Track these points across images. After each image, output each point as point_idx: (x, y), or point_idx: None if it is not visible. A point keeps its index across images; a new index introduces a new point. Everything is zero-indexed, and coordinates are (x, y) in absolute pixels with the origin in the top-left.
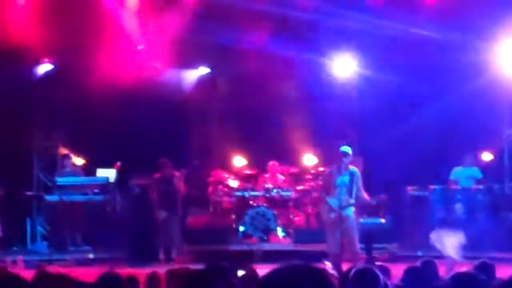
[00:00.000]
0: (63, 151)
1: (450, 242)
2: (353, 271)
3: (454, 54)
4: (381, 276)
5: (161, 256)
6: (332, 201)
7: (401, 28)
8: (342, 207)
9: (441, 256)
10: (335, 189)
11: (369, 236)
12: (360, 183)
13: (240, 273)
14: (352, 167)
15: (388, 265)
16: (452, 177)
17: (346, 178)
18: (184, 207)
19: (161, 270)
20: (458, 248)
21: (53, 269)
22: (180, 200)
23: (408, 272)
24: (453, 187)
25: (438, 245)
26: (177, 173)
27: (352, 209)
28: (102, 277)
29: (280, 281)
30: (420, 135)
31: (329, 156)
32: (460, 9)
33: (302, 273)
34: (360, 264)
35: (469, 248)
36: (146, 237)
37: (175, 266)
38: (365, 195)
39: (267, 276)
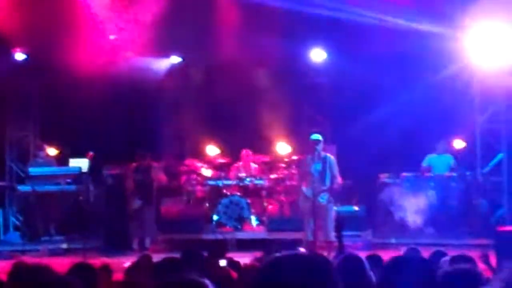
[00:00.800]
0: (37, 141)
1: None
2: (338, 258)
3: (426, 42)
4: (367, 263)
5: (135, 245)
6: (307, 189)
7: (372, 16)
8: (315, 195)
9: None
10: (310, 177)
11: (341, 224)
12: (335, 169)
13: (222, 262)
14: (326, 154)
15: (362, 252)
16: (425, 163)
17: (319, 166)
18: (157, 196)
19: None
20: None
21: (27, 259)
22: (155, 190)
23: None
24: (426, 174)
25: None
26: (155, 164)
27: (327, 196)
28: (74, 267)
29: (282, 269)
30: (393, 123)
31: (302, 145)
32: None
33: (304, 261)
34: (347, 252)
35: (442, 235)
36: (119, 227)
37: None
38: (339, 181)
39: (270, 264)
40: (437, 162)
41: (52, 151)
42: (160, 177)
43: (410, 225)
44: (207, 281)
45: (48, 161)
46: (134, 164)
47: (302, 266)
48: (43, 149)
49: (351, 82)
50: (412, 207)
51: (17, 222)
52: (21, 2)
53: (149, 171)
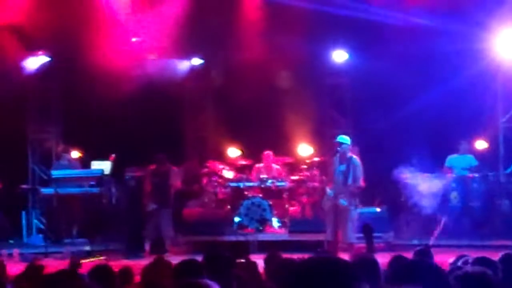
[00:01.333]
0: (60, 144)
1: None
2: (352, 259)
3: (450, 42)
4: (379, 264)
5: (147, 247)
6: (330, 191)
7: (395, 15)
8: (336, 195)
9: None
10: (334, 179)
11: (371, 227)
12: (359, 172)
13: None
14: (352, 155)
15: (385, 254)
16: (447, 164)
17: (343, 167)
18: (179, 199)
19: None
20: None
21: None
22: (172, 194)
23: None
24: (448, 175)
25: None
26: (174, 168)
27: (347, 197)
28: (94, 269)
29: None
30: (415, 124)
31: (324, 146)
32: None
33: (328, 265)
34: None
35: (465, 236)
36: (137, 229)
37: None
38: (361, 183)
39: (299, 266)
40: (459, 162)
41: (74, 154)
42: (176, 182)
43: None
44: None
45: (73, 164)
46: (152, 167)
47: (326, 271)
48: (68, 152)
49: (373, 83)
50: (427, 191)
51: (40, 225)
52: (45, 4)
53: (167, 175)
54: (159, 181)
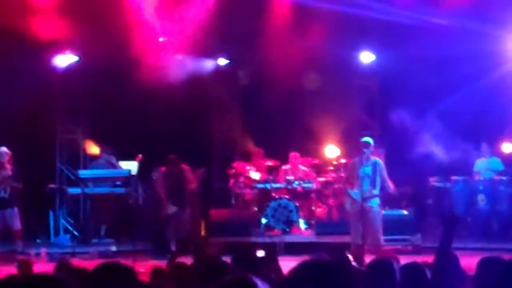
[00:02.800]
0: (89, 144)
1: None
2: (368, 262)
3: (476, 44)
4: (396, 268)
5: (173, 248)
6: (355, 193)
7: (421, 17)
8: (364, 199)
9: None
10: (358, 181)
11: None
12: (384, 173)
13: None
14: (375, 158)
15: (412, 257)
16: (475, 169)
17: (368, 169)
18: (205, 199)
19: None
20: None
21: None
22: (188, 194)
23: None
24: (476, 178)
25: None
26: (186, 168)
27: (376, 200)
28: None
29: (305, 275)
30: (442, 126)
31: (351, 148)
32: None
33: (324, 268)
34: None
35: (492, 240)
36: (162, 230)
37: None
38: (390, 185)
39: (295, 270)
40: (486, 166)
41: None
42: (192, 182)
43: None
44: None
45: (111, 163)
46: (164, 169)
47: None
48: (107, 152)
49: (399, 85)
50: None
51: (68, 225)
52: (73, 5)
53: (182, 176)
54: (173, 182)
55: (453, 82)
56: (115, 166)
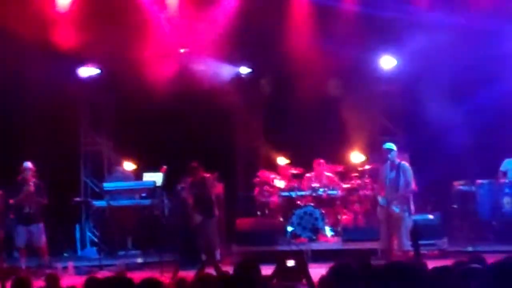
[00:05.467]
0: (112, 156)
1: None
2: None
3: (505, 44)
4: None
5: (204, 257)
6: (382, 198)
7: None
8: (389, 203)
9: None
10: (385, 186)
11: (418, 233)
12: (409, 176)
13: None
14: (400, 161)
15: (439, 261)
16: (503, 168)
17: (393, 174)
18: (231, 208)
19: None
20: None
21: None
22: (213, 202)
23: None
24: (501, 180)
25: None
26: (207, 175)
27: (400, 205)
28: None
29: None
30: (467, 128)
31: (375, 154)
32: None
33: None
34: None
35: None
36: (190, 240)
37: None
38: (414, 188)
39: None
40: None
41: (128, 166)
42: (216, 189)
43: None
44: None
45: (126, 175)
46: (189, 179)
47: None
48: (121, 164)
49: (423, 88)
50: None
51: (94, 238)
52: (95, 17)
53: (204, 184)
54: (197, 191)
55: (481, 82)
56: (130, 178)
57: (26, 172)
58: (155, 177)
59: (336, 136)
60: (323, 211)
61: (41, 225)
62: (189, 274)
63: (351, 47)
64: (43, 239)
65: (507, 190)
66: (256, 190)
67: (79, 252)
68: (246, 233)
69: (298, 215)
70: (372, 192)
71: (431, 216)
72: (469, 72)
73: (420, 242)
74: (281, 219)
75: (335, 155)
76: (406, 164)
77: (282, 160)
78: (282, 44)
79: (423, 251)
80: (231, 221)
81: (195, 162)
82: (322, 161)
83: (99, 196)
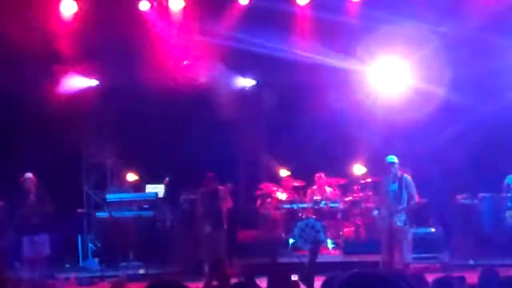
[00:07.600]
0: (113, 168)
1: None
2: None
3: (503, 58)
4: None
5: (206, 270)
6: (383, 210)
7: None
8: (391, 215)
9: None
10: (387, 198)
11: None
12: (412, 189)
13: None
14: (402, 174)
15: (440, 274)
16: (507, 181)
17: (395, 186)
18: (233, 220)
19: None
20: None
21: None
22: (225, 214)
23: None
24: (503, 194)
25: None
26: (222, 188)
27: (403, 217)
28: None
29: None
30: (469, 141)
31: (377, 167)
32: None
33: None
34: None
35: None
36: (193, 252)
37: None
38: (417, 199)
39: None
40: None
41: (131, 177)
42: (227, 202)
43: None
44: None
45: (124, 187)
46: (202, 189)
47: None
48: (118, 176)
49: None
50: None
51: (95, 249)
52: (96, 28)
53: (216, 195)
54: (208, 202)
55: (483, 95)
56: (129, 190)
57: (27, 183)
58: (158, 189)
59: (338, 149)
60: (325, 224)
61: (45, 236)
62: (192, 286)
63: (353, 60)
64: (46, 250)
65: (509, 204)
66: (258, 202)
67: (81, 263)
68: (248, 245)
69: (299, 227)
70: (374, 205)
71: (433, 229)
72: (471, 84)
73: (422, 255)
74: (283, 231)
75: (337, 168)
76: (408, 177)
77: (284, 173)
78: (286, 56)
79: (425, 264)
80: (233, 233)
81: (211, 173)
82: (323, 174)
83: (102, 207)
